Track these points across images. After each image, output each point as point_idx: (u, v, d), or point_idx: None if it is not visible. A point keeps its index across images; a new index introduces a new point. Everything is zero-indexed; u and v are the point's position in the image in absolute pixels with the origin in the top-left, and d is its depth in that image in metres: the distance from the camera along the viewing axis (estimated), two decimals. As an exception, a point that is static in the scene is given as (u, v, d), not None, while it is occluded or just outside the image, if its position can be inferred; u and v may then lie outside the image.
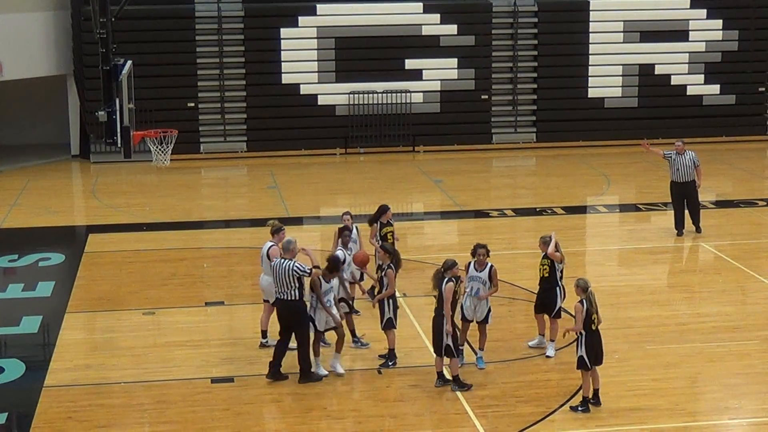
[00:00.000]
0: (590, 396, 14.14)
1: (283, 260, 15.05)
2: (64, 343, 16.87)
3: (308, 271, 14.91)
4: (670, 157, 22.31)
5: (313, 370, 15.12)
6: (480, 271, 15.36)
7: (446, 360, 14.86)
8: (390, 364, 15.58)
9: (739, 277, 19.96)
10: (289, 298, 14.95)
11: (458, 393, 14.64)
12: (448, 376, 14.93)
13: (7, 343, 17.31)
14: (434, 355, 14.97)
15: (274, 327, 15.48)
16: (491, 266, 15.38)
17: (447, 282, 14.53)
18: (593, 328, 13.98)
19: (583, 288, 14.03)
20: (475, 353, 15.65)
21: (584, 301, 13.98)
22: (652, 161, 30.57)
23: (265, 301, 16.37)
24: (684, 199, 22.42)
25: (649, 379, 15.20)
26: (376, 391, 14.88)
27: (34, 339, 17.37)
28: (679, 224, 22.55)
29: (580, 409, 14.07)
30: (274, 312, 15.54)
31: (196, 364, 15.89)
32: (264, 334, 16.41)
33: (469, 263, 15.56)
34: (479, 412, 14.15)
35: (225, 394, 14.79)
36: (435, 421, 14.09)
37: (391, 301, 15.53)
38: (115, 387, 15.06)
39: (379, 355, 15.81)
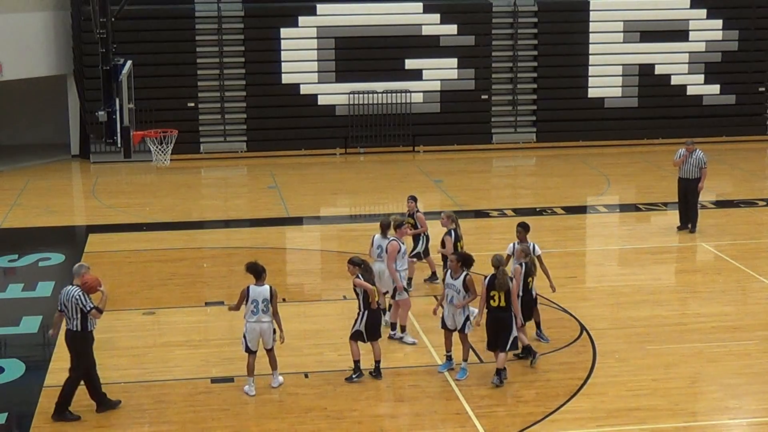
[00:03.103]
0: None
1: (72, 287, 14.12)
2: (64, 343, 16.80)
3: (89, 308, 13.98)
4: (681, 156, 22.75)
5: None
6: (455, 279, 15.25)
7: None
8: (354, 377, 15.14)
9: (739, 277, 19.96)
10: (72, 328, 14.09)
11: (458, 393, 14.67)
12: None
13: (7, 343, 17.30)
14: (489, 350, 15.11)
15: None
16: (466, 274, 15.17)
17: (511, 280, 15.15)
18: (529, 287, 15.90)
19: (526, 253, 15.93)
20: (478, 357, 15.66)
21: (523, 264, 15.77)
22: (652, 161, 30.62)
23: (385, 293, 16.69)
24: (686, 195, 22.62)
25: (649, 379, 15.20)
26: (376, 391, 14.88)
27: (34, 339, 17.36)
28: (681, 218, 22.93)
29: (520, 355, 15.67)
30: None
31: (196, 364, 15.89)
32: (392, 326, 16.68)
33: (446, 271, 15.67)
34: (479, 412, 14.15)
35: (225, 394, 14.79)
36: (435, 421, 14.09)
37: (366, 313, 14.99)
38: (115, 387, 15.04)
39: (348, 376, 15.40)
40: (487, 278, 15.00)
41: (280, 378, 15.00)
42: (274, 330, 14.75)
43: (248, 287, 14.71)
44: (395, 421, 14.06)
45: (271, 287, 14.73)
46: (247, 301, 14.66)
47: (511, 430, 13.67)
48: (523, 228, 16.68)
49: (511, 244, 16.52)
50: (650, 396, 14.63)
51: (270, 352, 14.88)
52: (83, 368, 14.19)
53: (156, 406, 14.48)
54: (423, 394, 14.77)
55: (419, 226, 18.82)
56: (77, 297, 13.96)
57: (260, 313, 14.65)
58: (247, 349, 14.75)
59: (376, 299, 15.04)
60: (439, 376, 15.25)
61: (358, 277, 14.95)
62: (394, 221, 16.94)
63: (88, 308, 13.96)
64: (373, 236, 17.18)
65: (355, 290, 15.07)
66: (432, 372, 15.35)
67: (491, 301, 14.91)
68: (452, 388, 14.87)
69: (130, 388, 15.03)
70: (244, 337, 14.77)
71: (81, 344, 14.15)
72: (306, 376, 15.38)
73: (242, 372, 15.31)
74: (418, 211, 18.88)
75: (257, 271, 14.70)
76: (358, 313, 15.05)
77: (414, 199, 18.91)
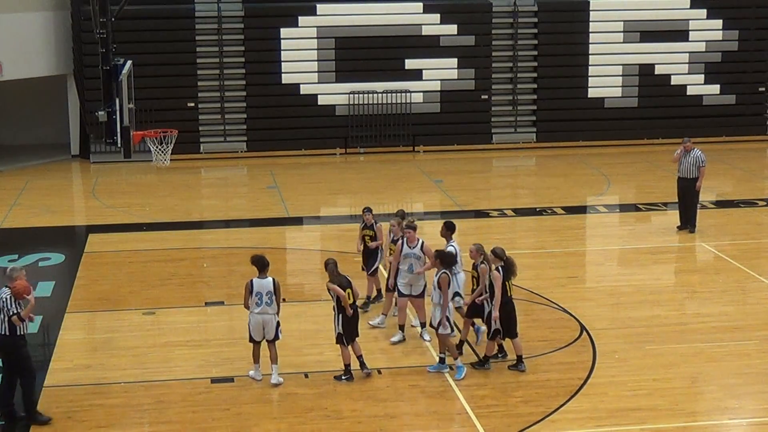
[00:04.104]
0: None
1: (4, 289, 13.77)
2: (64, 343, 16.87)
3: (12, 313, 13.58)
4: (681, 155, 22.75)
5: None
6: (435, 277, 15.38)
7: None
8: (343, 378, 15.18)
9: (739, 277, 19.96)
10: (0, 332, 13.71)
11: (458, 393, 14.69)
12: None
13: (7, 343, 17.28)
14: (505, 339, 15.46)
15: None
16: (443, 272, 15.21)
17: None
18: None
19: (487, 255, 15.33)
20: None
21: (500, 268, 15.19)
22: (652, 161, 30.63)
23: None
24: (685, 194, 22.67)
25: (649, 379, 15.20)
26: (376, 391, 14.88)
27: (34, 339, 17.27)
28: (681, 218, 22.95)
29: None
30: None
31: (196, 364, 15.89)
32: (422, 325, 16.68)
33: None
34: (479, 412, 14.16)
35: (225, 394, 14.80)
36: (435, 421, 14.09)
37: (341, 316, 15.08)
38: (115, 387, 15.06)
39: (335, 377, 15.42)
40: (501, 270, 15.11)
41: (280, 378, 15.02)
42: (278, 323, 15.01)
43: (251, 280, 14.98)
44: (395, 421, 14.06)
45: (274, 280, 15.01)
46: (251, 294, 14.89)
47: (511, 430, 13.67)
48: (447, 227, 16.27)
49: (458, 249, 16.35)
50: (650, 396, 14.63)
51: (271, 344, 15.00)
52: (27, 374, 13.96)
53: (156, 406, 14.48)
54: (423, 394, 14.78)
55: (378, 239, 17.98)
56: (4, 300, 13.72)
57: (264, 305, 14.89)
58: (251, 340, 15.05)
59: (350, 303, 15.08)
60: (439, 376, 15.25)
61: (331, 281, 15.14)
62: (408, 222, 16.90)
63: (11, 313, 13.69)
64: (389, 228, 17.51)
65: (330, 293, 15.24)
66: (432, 372, 15.34)
67: (508, 292, 15.15)
68: (452, 388, 14.88)
69: (130, 388, 15.03)
70: (249, 327, 15.07)
71: (8, 349, 13.86)
72: (306, 376, 15.38)
73: (242, 372, 15.37)
74: (376, 223, 18.06)
75: (262, 264, 15.02)
76: (334, 316, 15.18)
77: (369, 210, 18.12)
